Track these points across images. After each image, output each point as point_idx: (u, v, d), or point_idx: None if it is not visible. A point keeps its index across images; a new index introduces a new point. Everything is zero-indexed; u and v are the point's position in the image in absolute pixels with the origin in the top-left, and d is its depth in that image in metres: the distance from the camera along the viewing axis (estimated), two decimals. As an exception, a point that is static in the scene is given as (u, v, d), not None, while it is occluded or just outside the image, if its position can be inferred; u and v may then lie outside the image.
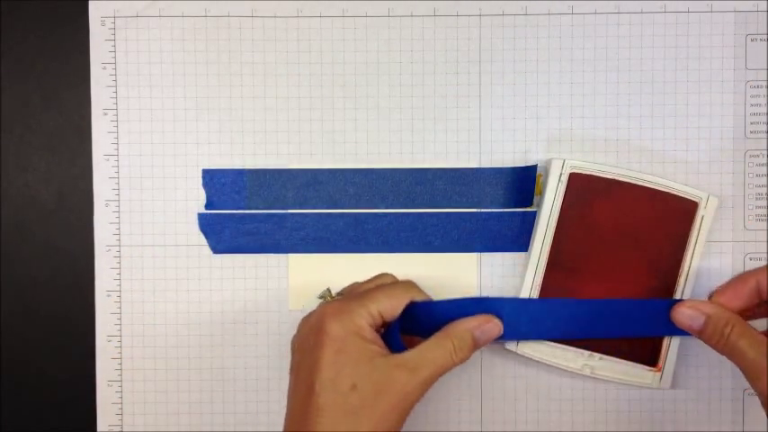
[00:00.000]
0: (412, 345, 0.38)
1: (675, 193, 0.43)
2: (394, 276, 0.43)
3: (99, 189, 0.44)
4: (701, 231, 0.43)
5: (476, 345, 0.39)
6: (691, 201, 0.43)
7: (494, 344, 0.44)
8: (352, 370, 0.36)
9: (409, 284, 0.40)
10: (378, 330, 0.38)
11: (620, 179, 0.43)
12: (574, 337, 0.42)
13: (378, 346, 0.37)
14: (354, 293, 0.40)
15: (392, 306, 0.38)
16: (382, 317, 0.38)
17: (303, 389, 0.37)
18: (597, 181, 0.43)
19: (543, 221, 0.43)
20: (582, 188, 0.43)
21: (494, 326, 0.40)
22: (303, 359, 0.38)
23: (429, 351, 0.37)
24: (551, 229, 0.43)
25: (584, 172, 0.43)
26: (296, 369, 0.38)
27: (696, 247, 0.42)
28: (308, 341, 0.38)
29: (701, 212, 0.43)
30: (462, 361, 0.38)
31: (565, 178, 0.42)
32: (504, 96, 0.44)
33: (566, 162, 0.42)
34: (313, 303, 0.41)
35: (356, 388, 0.36)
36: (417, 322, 0.39)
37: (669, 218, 0.43)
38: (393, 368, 0.36)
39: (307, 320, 0.39)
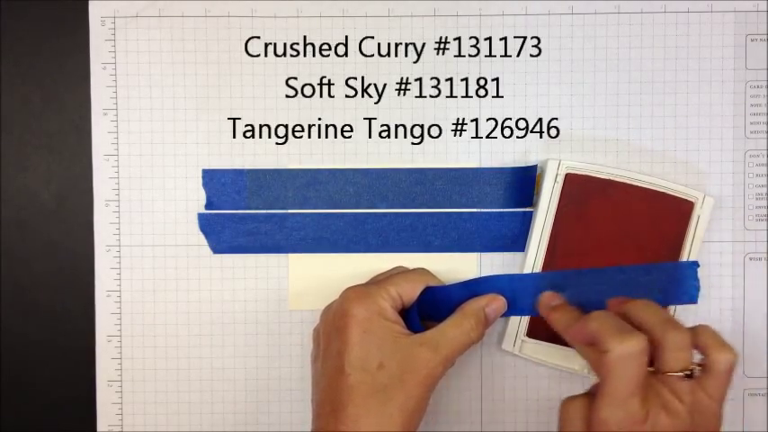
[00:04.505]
0: (428, 329, 0.39)
1: (671, 193, 0.43)
2: (408, 268, 0.43)
3: (99, 189, 0.44)
4: (698, 231, 0.42)
5: (487, 322, 0.40)
6: (687, 201, 0.43)
7: (493, 344, 0.44)
8: (379, 349, 0.37)
9: (424, 270, 0.42)
10: (398, 313, 0.40)
11: (616, 179, 0.42)
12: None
13: (400, 326, 0.39)
14: (374, 281, 0.42)
15: (410, 288, 0.40)
16: (401, 299, 0.39)
17: (332, 371, 0.38)
18: (593, 181, 0.42)
19: (539, 222, 0.43)
20: (578, 189, 0.42)
21: (501, 303, 0.41)
22: (330, 343, 0.39)
23: (448, 330, 0.39)
24: (547, 230, 0.43)
25: (579, 172, 0.43)
26: (323, 354, 0.39)
27: (692, 247, 0.42)
28: (334, 326, 0.39)
29: (696, 212, 0.43)
30: (479, 339, 0.39)
31: (561, 179, 0.42)
32: (504, 96, 0.44)
33: (561, 163, 0.42)
34: (313, 303, 0.41)
35: (383, 366, 0.37)
36: (433, 306, 0.40)
37: (665, 218, 0.43)
38: (417, 347, 0.38)
39: (329, 308, 0.40)
